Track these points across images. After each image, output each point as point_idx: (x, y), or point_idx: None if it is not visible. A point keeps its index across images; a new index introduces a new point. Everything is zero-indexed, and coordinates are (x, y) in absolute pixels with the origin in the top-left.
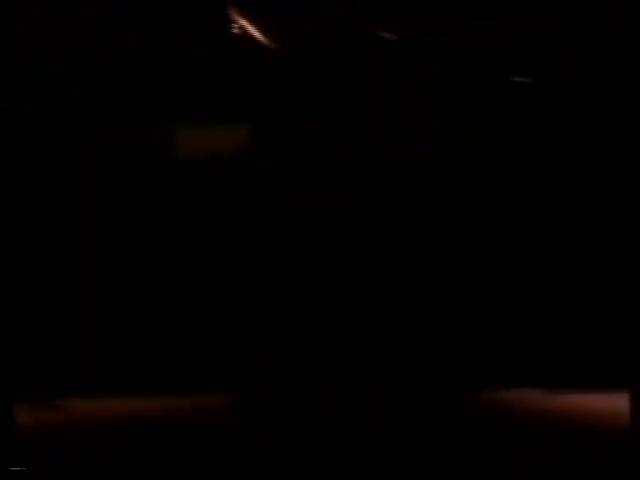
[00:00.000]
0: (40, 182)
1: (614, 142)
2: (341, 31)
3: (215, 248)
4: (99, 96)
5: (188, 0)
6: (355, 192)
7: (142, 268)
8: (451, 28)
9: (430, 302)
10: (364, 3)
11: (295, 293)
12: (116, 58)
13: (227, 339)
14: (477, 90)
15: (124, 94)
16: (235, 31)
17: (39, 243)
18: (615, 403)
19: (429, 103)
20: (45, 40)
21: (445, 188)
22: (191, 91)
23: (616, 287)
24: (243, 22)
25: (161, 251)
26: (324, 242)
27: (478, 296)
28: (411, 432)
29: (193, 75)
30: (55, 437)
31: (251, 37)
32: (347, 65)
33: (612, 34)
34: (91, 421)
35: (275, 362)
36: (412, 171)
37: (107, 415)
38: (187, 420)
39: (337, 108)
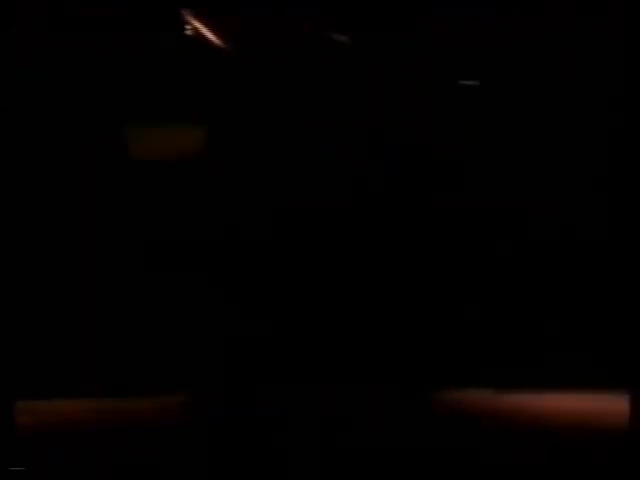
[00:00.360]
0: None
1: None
2: (295, 33)
3: (168, 249)
4: (53, 96)
5: (142, 1)
6: (319, 191)
7: (99, 269)
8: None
9: (383, 305)
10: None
11: (254, 295)
12: (73, 59)
13: (182, 341)
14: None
15: (79, 94)
16: (189, 32)
17: None
18: (564, 403)
19: (381, 103)
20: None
21: (405, 189)
22: (144, 92)
23: (576, 289)
24: (197, 24)
25: (117, 250)
26: (281, 242)
27: (432, 298)
28: (367, 433)
29: (147, 76)
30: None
31: (205, 39)
32: (301, 66)
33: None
34: (50, 423)
35: (227, 364)
36: (364, 171)
37: (65, 417)
38: (139, 422)
39: (290, 109)
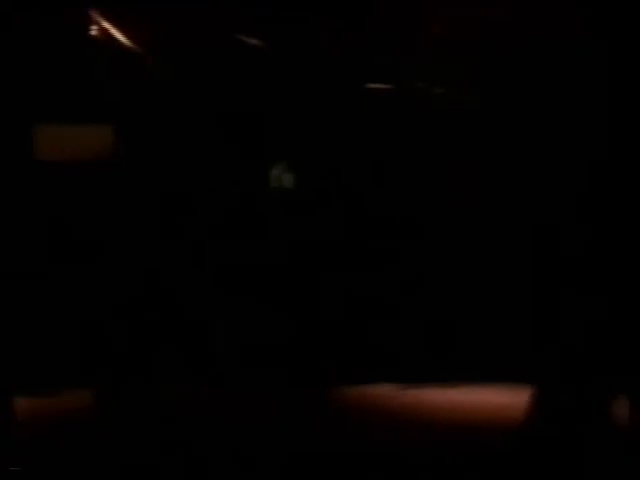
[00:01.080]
0: None
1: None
2: (208, 35)
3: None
4: None
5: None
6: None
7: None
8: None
9: (282, 300)
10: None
11: (148, 293)
12: None
13: (85, 338)
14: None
15: None
16: (96, 32)
17: None
18: (469, 397)
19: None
20: None
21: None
22: (53, 91)
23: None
24: (105, 24)
25: (17, 249)
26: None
27: (332, 293)
28: (263, 433)
29: (54, 75)
30: None
31: (113, 39)
32: (212, 69)
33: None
34: None
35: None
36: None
37: None
38: (45, 419)
39: (200, 110)
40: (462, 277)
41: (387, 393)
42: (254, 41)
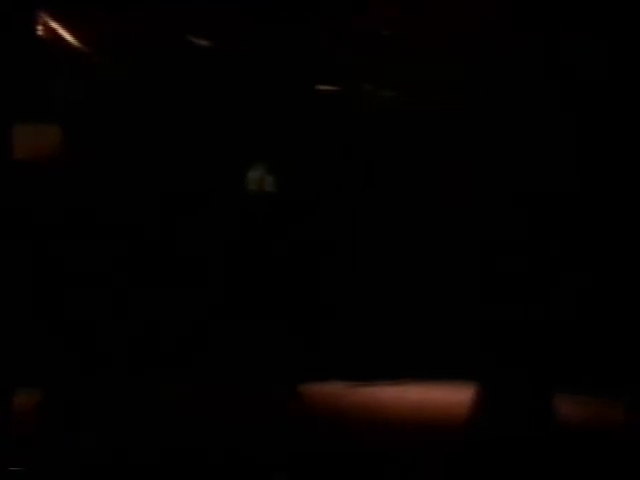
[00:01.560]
0: None
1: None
2: (155, 36)
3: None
4: None
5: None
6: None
7: None
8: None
9: (233, 296)
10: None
11: (98, 294)
12: None
13: (31, 338)
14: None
15: None
16: (42, 32)
17: None
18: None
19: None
20: None
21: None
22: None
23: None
24: (53, 24)
25: None
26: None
27: (282, 288)
28: (207, 434)
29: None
30: None
31: (61, 39)
32: (159, 69)
33: None
34: None
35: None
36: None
37: None
38: None
39: (148, 111)
40: (409, 275)
41: (337, 391)
42: (203, 41)
